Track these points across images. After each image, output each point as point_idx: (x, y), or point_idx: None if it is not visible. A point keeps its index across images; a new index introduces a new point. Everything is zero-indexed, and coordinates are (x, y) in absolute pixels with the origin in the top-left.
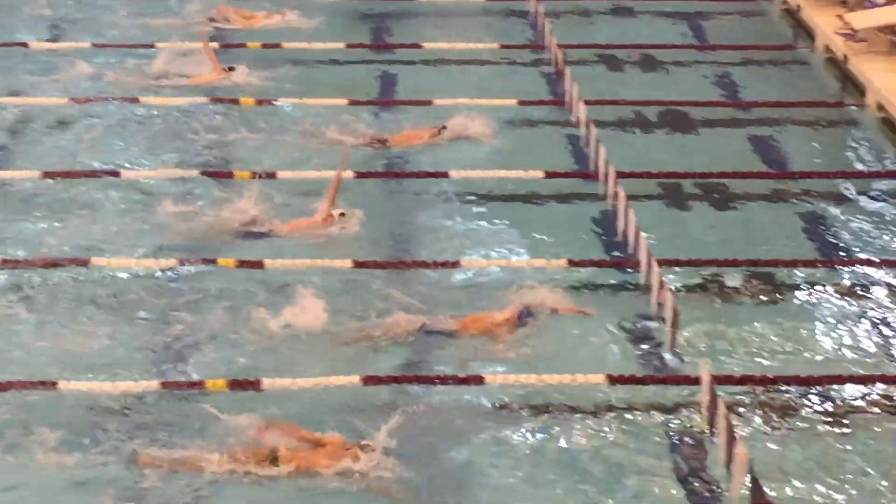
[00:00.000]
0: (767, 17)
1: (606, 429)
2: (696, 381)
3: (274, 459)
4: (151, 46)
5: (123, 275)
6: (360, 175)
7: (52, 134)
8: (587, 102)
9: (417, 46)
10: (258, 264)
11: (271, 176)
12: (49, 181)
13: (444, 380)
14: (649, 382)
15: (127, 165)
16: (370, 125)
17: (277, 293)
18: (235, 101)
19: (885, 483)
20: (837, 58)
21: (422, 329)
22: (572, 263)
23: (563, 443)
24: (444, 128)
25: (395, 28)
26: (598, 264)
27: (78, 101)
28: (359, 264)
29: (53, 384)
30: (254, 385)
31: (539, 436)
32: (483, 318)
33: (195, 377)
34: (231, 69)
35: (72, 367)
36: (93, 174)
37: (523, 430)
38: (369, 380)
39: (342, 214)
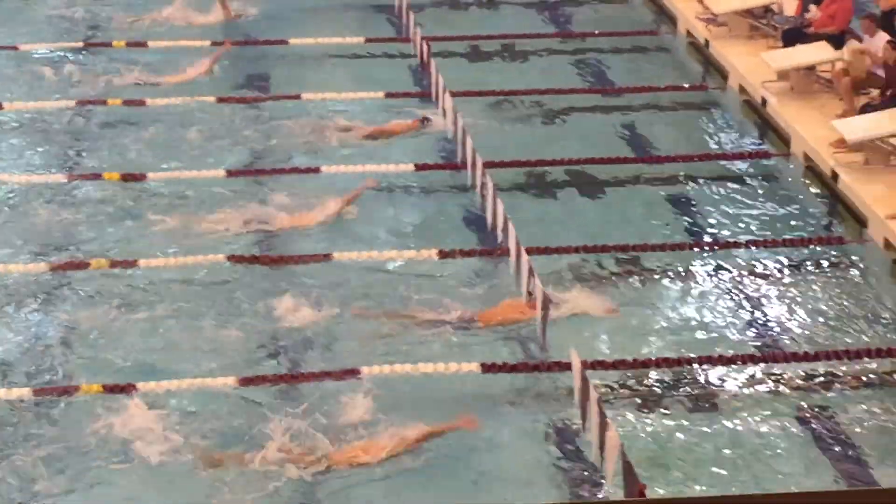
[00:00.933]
0: (630, 4)
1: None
2: (567, 367)
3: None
4: None
5: None
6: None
7: None
8: (453, 94)
9: (284, 42)
10: None
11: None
12: None
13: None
14: (522, 370)
15: None
16: (251, 121)
17: None
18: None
19: (749, 462)
20: (699, 42)
21: None
22: (443, 255)
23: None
24: (427, 119)
25: (262, 25)
26: (469, 254)
27: None
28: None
29: None
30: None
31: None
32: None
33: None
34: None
35: None
36: None
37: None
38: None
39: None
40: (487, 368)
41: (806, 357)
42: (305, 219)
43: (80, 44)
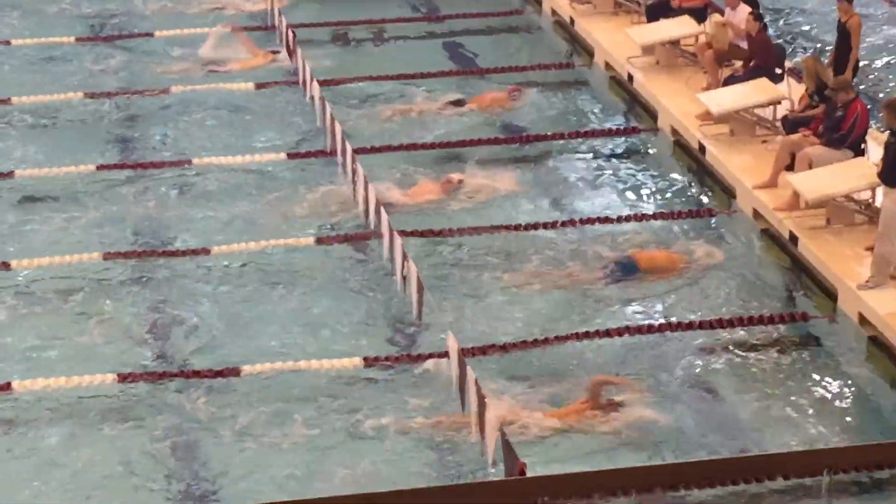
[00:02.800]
0: None
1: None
2: (445, 354)
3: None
4: None
5: None
6: None
7: None
8: (322, 83)
9: (150, 35)
10: None
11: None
12: None
13: None
14: (403, 361)
15: None
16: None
17: None
18: None
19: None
20: (564, 21)
21: None
22: (320, 241)
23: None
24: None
25: (126, 23)
26: (344, 239)
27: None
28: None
29: None
30: None
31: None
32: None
33: None
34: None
35: None
36: None
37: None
38: None
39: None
40: (370, 362)
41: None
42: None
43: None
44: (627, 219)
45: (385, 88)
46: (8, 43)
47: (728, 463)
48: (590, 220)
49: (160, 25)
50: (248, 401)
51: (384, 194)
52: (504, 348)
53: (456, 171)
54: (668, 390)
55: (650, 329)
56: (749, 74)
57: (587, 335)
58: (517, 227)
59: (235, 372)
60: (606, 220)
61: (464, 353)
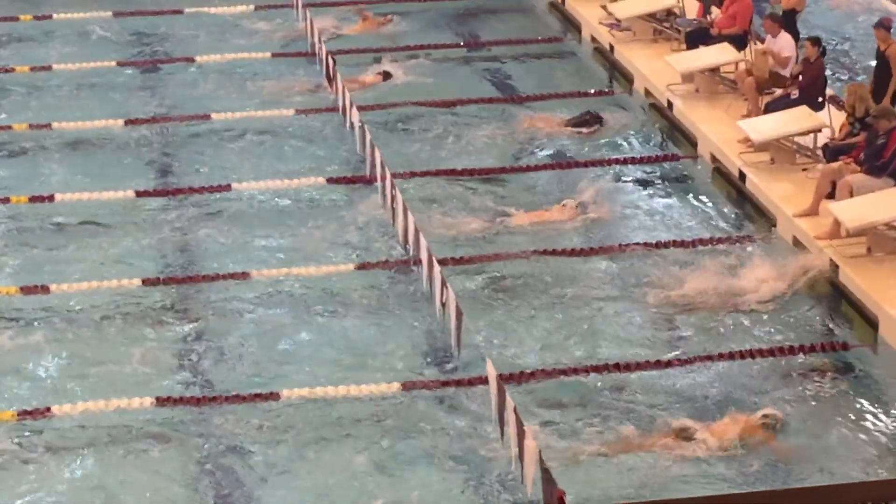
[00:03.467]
0: (535, 14)
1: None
2: (484, 380)
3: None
4: None
5: None
6: None
7: None
8: (361, 108)
9: (191, 60)
10: None
11: None
12: None
13: None
14: (440, 386)
15: None
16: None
17: None
18: None
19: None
20: (603, 48)
21: None
22: (359, 267)
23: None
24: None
25: (165, 39)
26: (383, 266)
27: None
28: None
29: None
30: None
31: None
32: None
33: None
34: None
35: None
36: None
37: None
38: None
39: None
40: (408, 387)
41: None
42: None
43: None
44: (667, 244)
45: (425, 114)
46: (49, 68)
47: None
48: (630, 246)
49: (201, 50)
50: (287, 426)
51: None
52: (548, 374)
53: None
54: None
55: (690, 361)
56: (794, 100)
57: (629, 367)
58: (559, 253)
59: (275, 397)
60: (646, 245)
61: (503, 379)
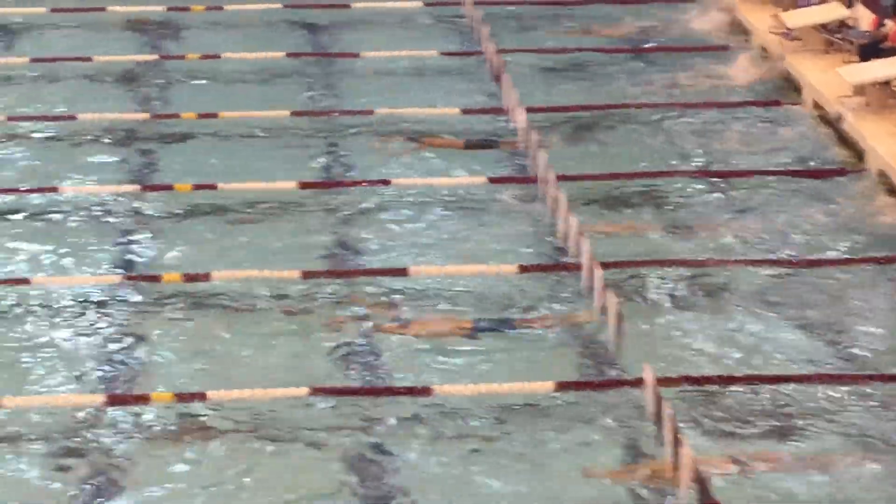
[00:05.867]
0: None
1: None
2: (639, 382)
3: None
4: None
5: None
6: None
7: None
8: (528, 109)
9: (356, 56)
10: None
11: None
12: None
13: None
14: (595, 388)
15: None
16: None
17: None
18: None
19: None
20: (774, 55)
21: None
22: (522, 269)
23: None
24: None
25: (333, 36)
26: (544, 269)
27: None
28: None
29: None
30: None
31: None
32: None
33: None
34: None
35: None
36: None
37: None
38: None
39: None
40: (562, 387)
41: None
42: None
43: None
44: (839, 262)
45: (590, 116)
46: (217, 56)
47: None
48: (798, 263)
49: (370, 46)
50: (439, 420)
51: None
52: (701, 381)
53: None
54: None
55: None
56: None
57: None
58: (723, 262)
59: (426, 392)
60: (813, 262)
61: (660, 383)
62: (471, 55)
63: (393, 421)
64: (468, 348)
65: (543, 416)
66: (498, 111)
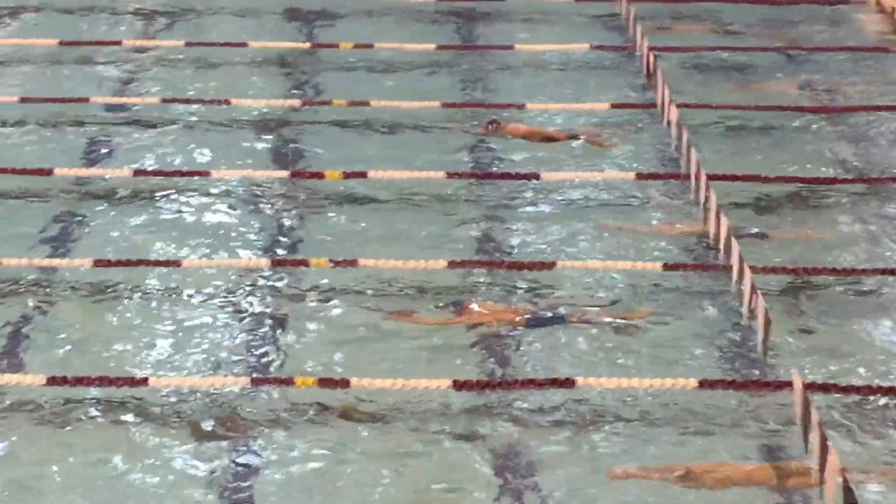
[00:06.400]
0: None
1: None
2: (788, 385)
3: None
4: None
5: None
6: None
7: None
8: (679, 105)
9: (509, 48)
10: None
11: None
12: None
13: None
14: (739, 388)
15: None
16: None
17: None
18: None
19: None
20: None
21: None
22: (667, 267)
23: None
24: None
25: (483, 29)
26: (692, 268)
27: None
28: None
29: None
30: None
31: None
32: None
33: None
34: None
35: None
36: None
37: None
38: None
39: None
40: (705, 385)
41: None
42: None
43: None
44: None
45: (746, 117)
46: (370, 46)
47: None
48: None
49: (519, 38)
50: (580, 414)
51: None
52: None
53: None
54: None
55: None
56: None
57: None
58: (883, 272)
59: (569, 383)
60: None
61: (808, 388)
62: (623, 50)
63: (534, 414)
64: (609, 344)
65: (688, 414)
66: (649, 106)
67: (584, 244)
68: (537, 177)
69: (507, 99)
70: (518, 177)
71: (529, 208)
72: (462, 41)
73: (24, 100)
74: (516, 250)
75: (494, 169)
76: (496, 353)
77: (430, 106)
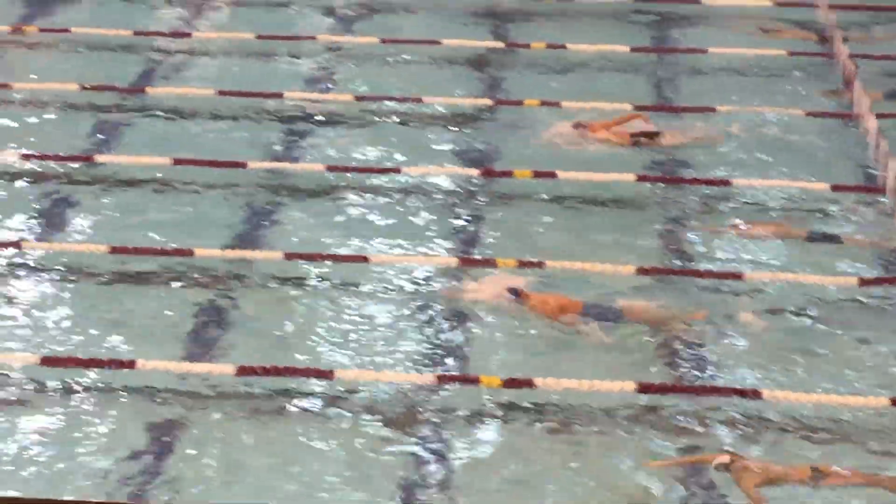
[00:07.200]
0: None
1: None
2: None
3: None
4: None
5: None
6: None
7: None
8: (878, 116)
9: (702, 52)
10: None
11: None
12: None
13: None
14: None
15: None
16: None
17: None
18: None
19: None
20: None
21: None
22: (863, 282)
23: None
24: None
25: (677, 33)
26: (890, 281)
27: None
28: None
29: None
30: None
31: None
32: None
33: None
34: None
35: None
36: None
37: None
38: None
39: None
40: None
41: None
42: None
43: None
44: None
45: None
46: (563, 47)
47: None
48: None
49: (714, 42)
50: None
51: None
52: None
53: None
54: None
55: None
56: None
57: None
58: None
59: (757, 394)
60: None
61: None
62: (821, 56)
63: (720, 426)
64: (798, 358)
65: (880, 435)
66: (846, 116)
67: (768, 253)
68: (728, 184)
69: (699, 102)
70: (707, 182)
71: (715, 215)
72: (657, 43)
73: (220, 93)
74: (701, 258)
75: (684, 174)
76: (685, 359)
77: (622, 109)
